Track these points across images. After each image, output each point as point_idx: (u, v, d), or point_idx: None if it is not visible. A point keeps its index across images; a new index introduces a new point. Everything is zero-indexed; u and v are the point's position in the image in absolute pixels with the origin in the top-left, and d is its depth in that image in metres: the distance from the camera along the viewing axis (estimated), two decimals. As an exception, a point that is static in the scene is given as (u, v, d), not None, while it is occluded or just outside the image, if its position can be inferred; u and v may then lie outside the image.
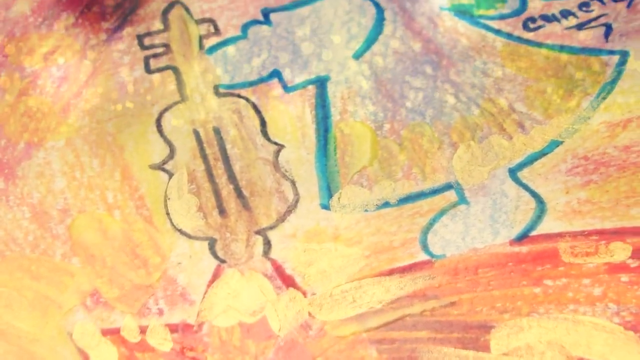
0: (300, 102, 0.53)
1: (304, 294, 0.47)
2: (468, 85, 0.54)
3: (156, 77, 0.55)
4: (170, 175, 0.50)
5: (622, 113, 0.51)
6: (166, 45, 0.56)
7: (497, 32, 0.55)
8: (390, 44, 0.56)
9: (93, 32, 0.56)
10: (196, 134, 0.52)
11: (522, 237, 0.48)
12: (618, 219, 0.47)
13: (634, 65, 0.53)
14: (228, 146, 0.52)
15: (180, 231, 0.49)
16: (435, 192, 0.50)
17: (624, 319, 0.44)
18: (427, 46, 0.55)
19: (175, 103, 0.54)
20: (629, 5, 0.56)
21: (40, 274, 0.47)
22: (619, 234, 0.47)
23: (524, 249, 0.48)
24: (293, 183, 0.50)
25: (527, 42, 0.55)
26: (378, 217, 0.49)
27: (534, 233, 0.48)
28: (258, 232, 0.48)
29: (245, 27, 0.56)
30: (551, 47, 0.54)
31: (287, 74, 0.55)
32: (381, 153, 0.51)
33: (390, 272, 0.47)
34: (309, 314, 0.47)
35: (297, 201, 0.49)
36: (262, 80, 0.54)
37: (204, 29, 0.57)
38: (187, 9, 0.58)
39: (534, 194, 0.49)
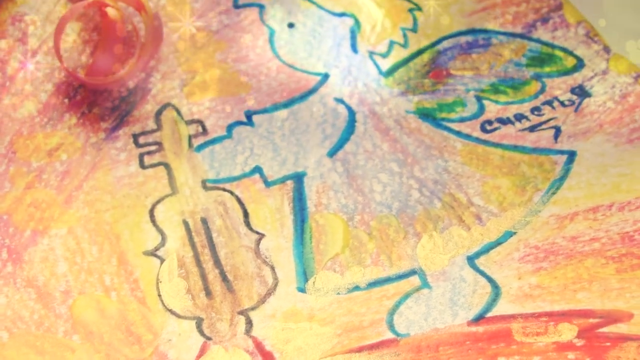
0: (279, 196, 0.55)
1: (282, 368, 0.48)
2: (431, 181, 0.55)
3: (150, 172, 0.55)
4: (162, 260, 0.51)
5: (570, 207, 0.53)
6: (159, 144, 0.57)
7: (457, 133, 0.58)
8: (361, 143, 0.57)
9: (93, 132, 0.57)
10: (185, 223, 0.53)
11: (479, 318, 0.49)
12: (565, 302, 0.48)
13: (581, 162, 0.55)
14: (214, 235, 0.52)
15: (171, 311, 0.49)
16: (400, 277, 0.51)
17: (571, 393, 0.45)
18: (394, 145, 0.57)
19: (167, 196, 0.54)
20: (576, 110, 0.58)
21: (44, 349, 0.48)
22: (566, 315, 0.48)
23: (480, 329, 0.48)
24: (272, 268, 0.51)
25: (485, 142, 0.57)
26: (349, 300, 0.50)
27: (489, 315, 0.49)
28: (241, 313, 0.50)
29: (230, 128, 0.58)
30: (506, 147, 0.57)
31: (267, 170, 0.56)
32: (352, 242, 0.52)
33: (360, 349, 0.48)
34: (287, 386, 0.48)
35: (276, 285, 0.51)
36: (245, 175, 0.56)
37: (193, 129, 0.58)
38: (177, 111, 0.58)
39: (489, 280, 0.50)
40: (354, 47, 0.62)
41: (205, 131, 0.58)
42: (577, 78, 0.60)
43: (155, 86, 0.60)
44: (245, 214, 0.54)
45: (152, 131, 0.58)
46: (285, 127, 0.58)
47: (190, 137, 0.58)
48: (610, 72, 0.60)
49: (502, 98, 0.59)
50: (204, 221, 0.53)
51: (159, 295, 0.50)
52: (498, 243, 0.52)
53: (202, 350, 0.49)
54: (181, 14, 0.63)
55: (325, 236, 0.53)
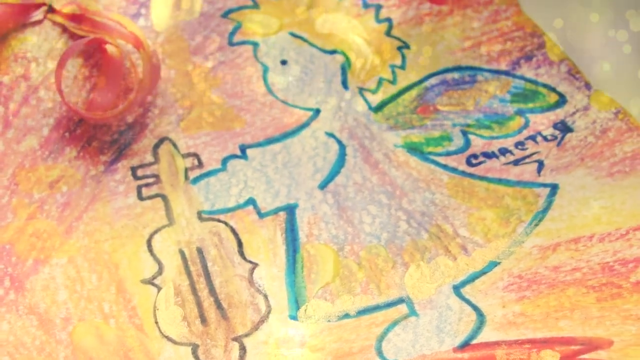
0: (272, 227, 0.55)
1: (275, 393, 0.48)
2: (418, 213, 0.56)
3: (147, 203, 0.56)
4: (159, 289, 0.52)
5: (552, 238, 0.54)
6: (156, 176, 0.57)
7: (444, 166, 0.58)
8: (351, 176, 0.58)
9: (93, 164, 0.58)
10: (181, 253, 0.54)
11: (464, 345, 0.49)
12: (548, 330, 0.49)
13: (563, 195, 0.56)
14: (209, 264, 0.53)
15: (167, 338, 0.50)
16: (389, 305, 0.52)
17: (552, 417, 0.46)
18: (382, 178, 0.58)
19: (164, 226, 0.55)
20: (558, 144, 0.59)
21: (45, 374, 0.48)
22: (548, 343, 0.49)
23: (465, 355, 0.49)
24: (265, 297, 0.52)
25: (470, 175, 0.58)
26: (339, 327, 0.51)
27: (474, 342, 0.49)
28: (235, 339, 0.50)
29: (224, 161, 0.58)
30: (491, 180, 0.57)
31: (261, 202, 0.56)
32: (342, 271, 0.53)
33: (350, 375, 0.49)
34: (280, 410, 0.48)
35: (269, 312, 0.51)
36: (239, 207, 0.56)
37: (189, 162, 0.58)
38: (174, 145, 0.59)
39: (474, 308, 0.51)
40: (344, 84, 0.63)
41: (200, 164, 0.59)
42: (559, 114, 0.61)
43: (152, 121, 0.60)
44: (240, 244, 0.55)
45: (150, 164, 0.59)
46: (278, 160, 0.59)
47: (186, 170, 0.58)
48: (591, 108, 0.60)
49: (487, 133, 0.60)
50: (200, 251, 0.54)
51: (156, 322, 0.51)
52: (483, 273, 0.53)
53: (198, 376, 0.50)
54: (178, 51, 0.64)
55: (316, 266, 0.54)
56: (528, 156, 0.59)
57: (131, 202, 0.57)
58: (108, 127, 0.60)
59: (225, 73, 0.63)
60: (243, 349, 0.50)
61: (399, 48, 0.65)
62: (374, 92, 0.63)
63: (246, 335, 0.51)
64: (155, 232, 0.55)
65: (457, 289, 0.52)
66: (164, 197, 0.57)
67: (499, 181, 0.58)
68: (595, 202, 0.55)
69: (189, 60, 0.63)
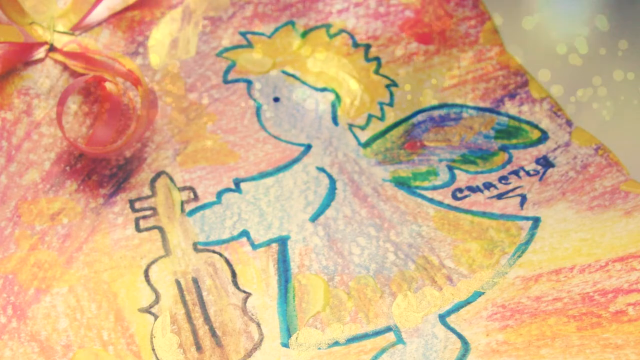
0: (265, 258, 0.56)
1: (268, 418, 0.49)
2: (405, 245, 0.56)
3: (145, 235, 0.57)
4: (156, 317, 0.53)
5: (534, 269, 0.54)
6: (153, 209, 0.58)
7: (430, 200, 0.59)
8: (341, 209, 0.59)
9: (92, 197, 0.59)
10: (178, 283, 0.54)
11: None
12: (530, 358, 0.49)
13: (545, 228, 0.57)
14: (204, 293, 0.54)
15: None
16: (377, 333, 0.52)
17: None
18: (371, 211, 0.58)
19: (161, 257, 0.56)
20: (540, 179, 0.59)
21: (46, 400, 0.48)
22: None
23: None
24: (258, 325, 0.53)
25: (455, 209, 0.58)
26: (329, 354, 0.51)
27: None
28: None
29: (219, 194, 0.59)
30: (475, 213, 0.58)
31: (254, 234, 0.57)
32: (332, 300, 0.54)
33: (339, 401, 0.49)
34: None
35: (261, 340, 0.52)
36: (233, 238, 0.57)
37: (185, 195, 0.59)
38: (171, 178, 0.60)
39: (459, 336, 0.51)
40: (334, 120, 0.64)
41: (196, 197, 0.59)
42: (541, 149, 0.62)
43: (150, 155, 0.61)
44: (234, 275, 0.55)
45: (147, 197, 0.59)
46: (270, 193, 0.60)
47: (182, 203, 0.59)
48: (572, 144, 0.62)
49: (472, 168, 0.61)
50: (195, 281, 0.55)
51: (153, 350, 0.52)
52: (468, 302, 0.54)
53: (193, 402, 0.51)
54: (175, 88, 0.65)
55: (307, 295, 0.54)
56: (511, 190, 0.59)
57: (129, 233, 0.57)
58: (107, 162, 0.61)
59: (219, 110, 0.64)
60: (237, 375, 0.52)
61: (387, 86, 0.66)
62: (363, 128, 0.64)
63: (240, 362, 0.52)
64: (152, 262, 0.56)
65: (442, 318, 0.53)
66: (160, 229, 0.58)
67: (483, 214, 0.58)
68: (576, 234, 0.56)
69: (185, 98, 0.64)
